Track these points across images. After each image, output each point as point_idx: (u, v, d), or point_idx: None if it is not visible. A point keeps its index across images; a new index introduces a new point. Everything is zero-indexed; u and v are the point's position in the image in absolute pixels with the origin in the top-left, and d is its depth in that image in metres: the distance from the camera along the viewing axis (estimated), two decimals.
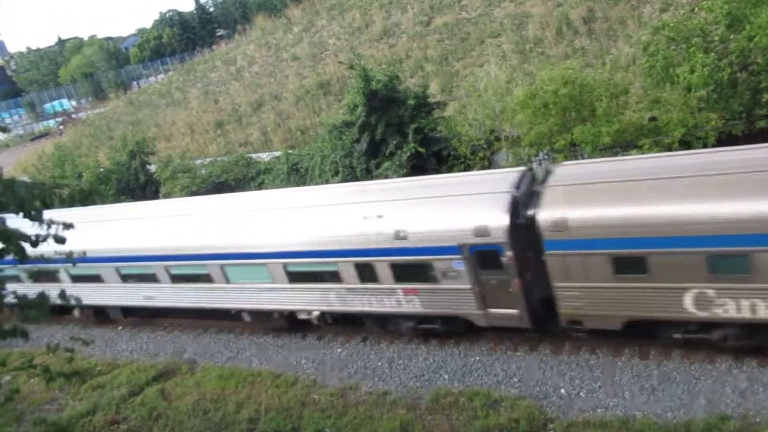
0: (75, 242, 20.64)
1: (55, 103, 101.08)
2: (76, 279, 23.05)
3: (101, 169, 36.98)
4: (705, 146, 20.19)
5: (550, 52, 36.71)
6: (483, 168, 25.46)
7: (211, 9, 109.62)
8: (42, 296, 10.26)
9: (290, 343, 20.46)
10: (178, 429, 17.27)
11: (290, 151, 34.13)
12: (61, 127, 78.88)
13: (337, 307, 18.80)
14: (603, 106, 21.87)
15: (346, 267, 17.68)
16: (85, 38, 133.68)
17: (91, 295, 22.85)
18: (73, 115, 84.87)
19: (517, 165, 24.35)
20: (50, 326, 25.74)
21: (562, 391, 15.22)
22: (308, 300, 19.14)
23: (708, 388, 14.03)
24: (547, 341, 16.88)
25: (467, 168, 25.56)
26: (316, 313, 19.35)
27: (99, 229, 22.37)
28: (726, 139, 20.90)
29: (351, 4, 57.75)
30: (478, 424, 14.53)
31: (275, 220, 19.18)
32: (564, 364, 16.00)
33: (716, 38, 20.88)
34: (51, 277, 23.21)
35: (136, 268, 21.93)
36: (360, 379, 17.74)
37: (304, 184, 29.29)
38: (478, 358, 17.20)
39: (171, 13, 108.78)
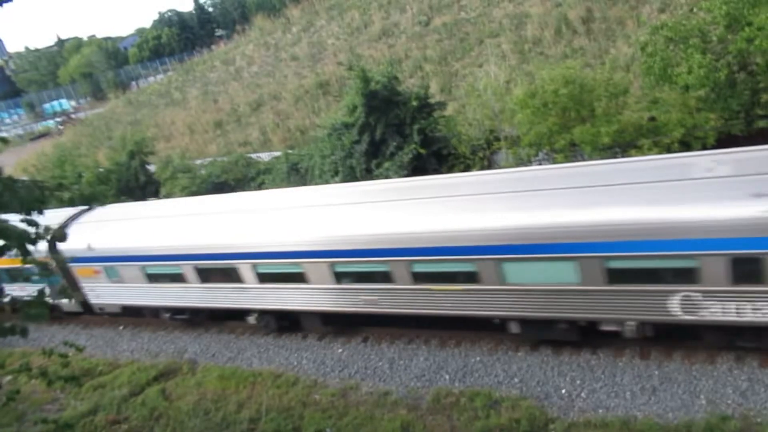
0: (274, 233, 18.70)
1: (55, 103, 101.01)
2: (265, 278, 19.21)
3: (101, 169, 36.98)
4: (704, 147, 20.26)
5: (549, 52, 36.78)
6: (482, 168, 25.51)
7: (210, 9, 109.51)
8: (41, 294, 10.29)
9: (291, 343, 20.46)
10: (179, 429, 17.27)
11: (290, 151, 34.19)
12: (61, 127, 78.84)
13: (680, 316, 14.08)
14: (602, 106, 21.93)
15: (713, 263, 13.18)
16: (84, 38, 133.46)
17: (281, 297, 19.36)
18: (73, 115, 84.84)
19: (517, 165, 24.42)
20: (51, 326, 25.73)
21: (563, 391, 15.24)
22: (630, 306, 14.57)
23: (709, 388, 14.05)
24: (547, 342, 16.90)
25: (467, 168, 25.61)
26: (632, 324, 14.98)
27: (300, 216, 18.79)
28: (725, 140, 20.95)
29: (350, 4, 57.83)
30: (479, 425, 14.55)
31: (590, 199, 14.55)
32: (565, 365, 16.03)
33: (714, 38, 20.93)
34: (228, 275, 19.77)
35: (359, 265, 17.43)
36: (361, 379, 17.75)
37: (304, 185, 29.30)
38: (478, 358, 17.23)
39: (170, 13, 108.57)
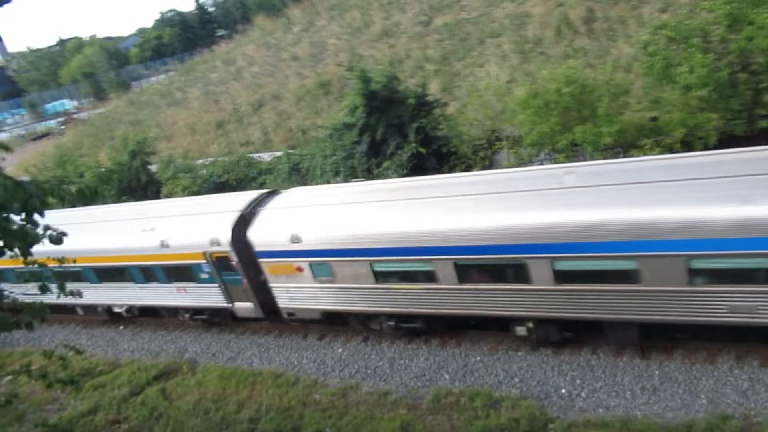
0: (591, 216, 13.90)
1: (56, 103, 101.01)
2: (566, 277, 14.74)
3: (102, 169, 37.00)
4: (706, 147, 20.23)
5: (550, 52, 36.70)
6: (484, 168, 25.48)
7: (212, 9, 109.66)
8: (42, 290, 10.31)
9: (291, 343, 20.45)
10: (179, 429, 17.26)
11: (291, 151, 34.20)
12: (62, 127, 78.91)
13: None
14: (604, 106, 21.90)
15: None
16: (86, 38, 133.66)
17: (586, 302, 14.92)
18: (74, 116, 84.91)
19: (519, 165, 24.40)
20: (51, 326, 25.71)
21: (563, 391, 15.22)
22: None
23: (709, 388, 14.03)
24: (547, 341, 16.84)
25: (468, 168, 25.61)
26: None
27: (635, 192, 14.06)
28: (727, 140, 20.91)
29: (351, 4, 57.78)
30: (479, 424, 14.53)
31: None
32: (565, 364, 16.00)
33: (716, 38, 20.91)
34: (505, 273, 15.60)
35: (737, 260, 12.88)
36: (361, 379, 17.74)
37: (305, 184, 29.31)
38: (479, 358, 17.20)
39: (171, 13, 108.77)
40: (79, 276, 22.35)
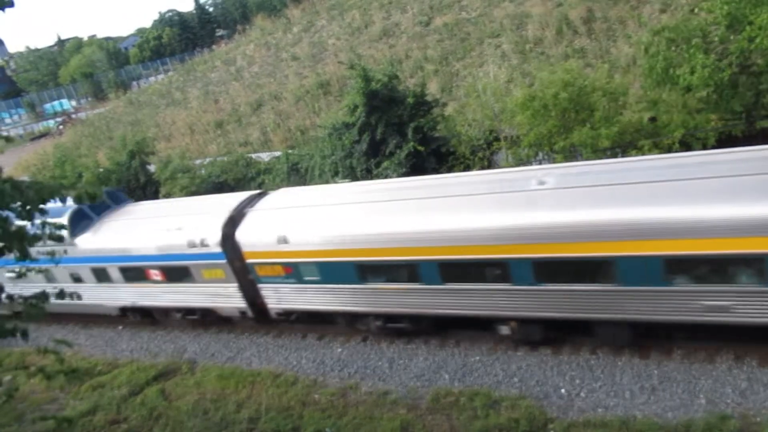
0: None
1: (55, 103, 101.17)
2: None
3: (101, 170, 36.94)
4: (705, 147, 20.24)
5: (549, 52, 36.74)
6: (483, 168, 25.45)
7: (211, 9, 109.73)
8: (41, 295, 10.32)
9: (290, 342, 20.44)
10: (178, 429, 17.26)
11: (290, 151, 34.20)
12: (61, 127, 78.91)
13: None
14: (602, 108, 21.88)
15: None
16: (85, 38, 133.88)
17: None
18: (73, 115, 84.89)
19: (518, 165, 24.37)
20: (50, 326, 25.67)
21: (563, 390, 15.22)
22: None
23: (708, 387, 14.03)
24: (546, 341, 16.87)
25: (467, 168, 25.58)
26: None
27: None
28: (725, 140, 20.93)
29: (351, 4, 57.81)
30: (479, 424, 14.53)
31: None
32: (564, 364, 16.00)
33: (716, 39, 20.91)
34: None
35: None
36: (360, 378, 17.72)
37: (304, 184, 29.29)
38: (478, 358, 17.20)
39: (171, 13, 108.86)
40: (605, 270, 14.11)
